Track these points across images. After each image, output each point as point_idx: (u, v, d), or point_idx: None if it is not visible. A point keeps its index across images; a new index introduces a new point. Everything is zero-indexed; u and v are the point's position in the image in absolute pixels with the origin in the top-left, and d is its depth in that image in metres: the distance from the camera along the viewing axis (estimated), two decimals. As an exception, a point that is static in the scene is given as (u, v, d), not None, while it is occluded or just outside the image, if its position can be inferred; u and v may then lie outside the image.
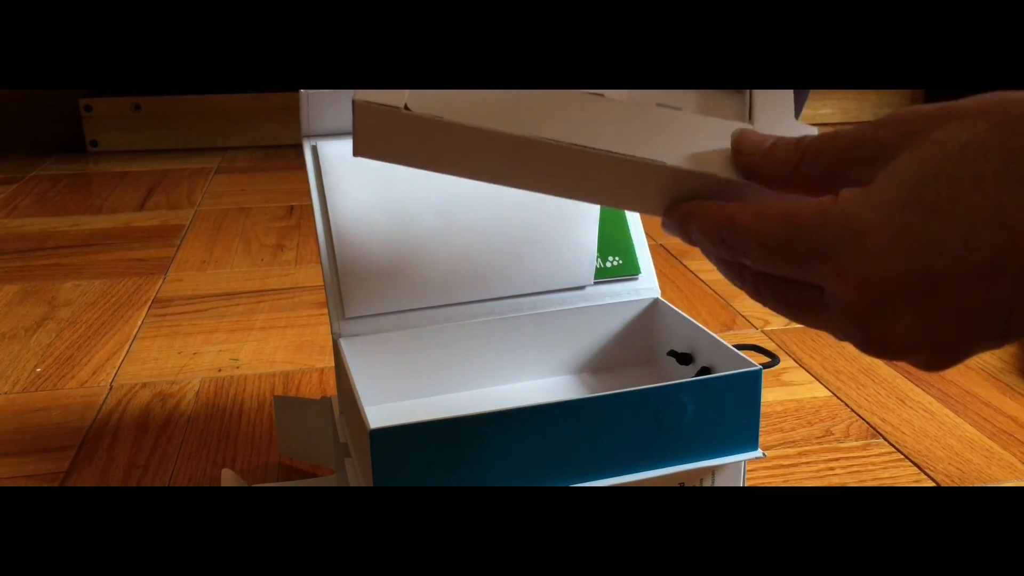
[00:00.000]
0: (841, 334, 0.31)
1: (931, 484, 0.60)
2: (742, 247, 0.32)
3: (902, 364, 0.78)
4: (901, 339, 0.29)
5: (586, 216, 0.54)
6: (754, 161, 0.33)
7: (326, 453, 0.58)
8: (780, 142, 0.32)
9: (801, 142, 0.31)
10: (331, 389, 0.74)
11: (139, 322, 0.89)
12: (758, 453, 0.47)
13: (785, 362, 0.78)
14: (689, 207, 0.35)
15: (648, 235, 0.56)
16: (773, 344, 0.82)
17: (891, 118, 0.29)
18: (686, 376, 0.50)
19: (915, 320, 0.29)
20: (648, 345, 0.57)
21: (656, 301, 0.56)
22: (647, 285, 0.56)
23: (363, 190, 0.51)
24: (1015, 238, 0.26)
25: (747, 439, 0.46)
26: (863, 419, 0.69)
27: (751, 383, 0.45)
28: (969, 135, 0.27)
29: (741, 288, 0.35)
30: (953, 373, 0.76)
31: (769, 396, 0.72)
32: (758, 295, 0.34)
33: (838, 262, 0.29)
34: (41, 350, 0.82)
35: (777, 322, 0.87)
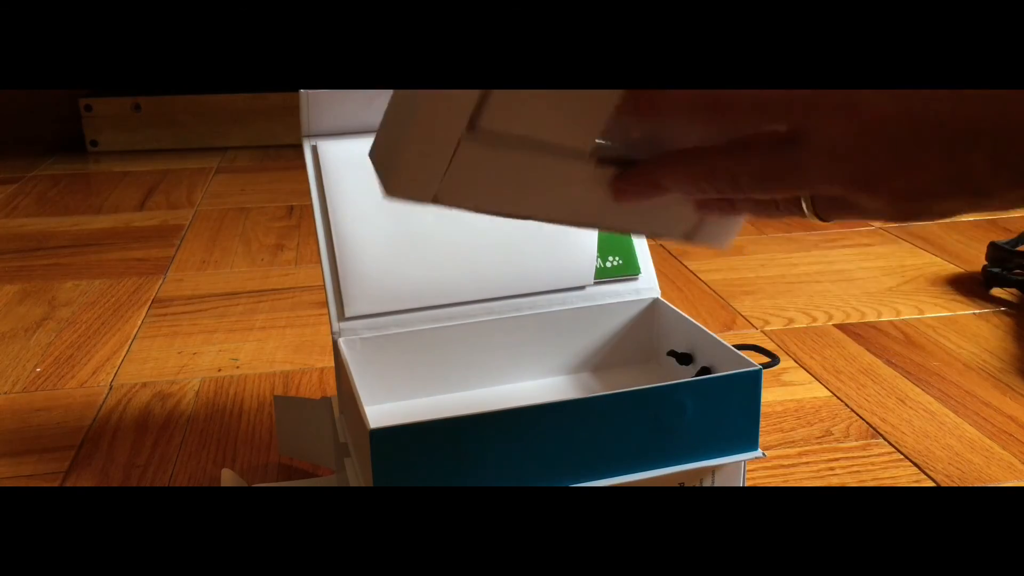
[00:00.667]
0: (819, 179, 0.32)
1: (931, 484, 0.60)
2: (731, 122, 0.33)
3: (902, 364, 0.78)
4: (876, 174, 0.31)
5: (586, 216, 0.54)
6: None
7: (326, 453, 0.58)
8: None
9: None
10: (331, 389, 0.74)
11: (139, 322, 0.89)
12: (758, 453, 0.47)
13: (785, 362, 0.78)
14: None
15: (648, 235, 0.56)
16: (773, 344, 0.82)
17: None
18: (686, 376, 0.50)
19: (894, 161, 0.30)
20: (648, 345, 0.57)
21: (656, 301, 0.56)
22: (647, 285, 0.56)
23: (363, 190, 0.51)
24: (997, 111, 0.28)
25: (747, 439, 0.46)
26: (863, 419, 0.69)
27: (751, 383, 0.45)
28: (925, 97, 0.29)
29: (705, 184, 0.35)
30: (953, 373, 0.76)
31: (769, 396, 0.72)
32: (732, 181, 0.34)
33: (821, 100, 0.30)
34: (41, 350, 0.82)
35: (777, 322, 0.87)
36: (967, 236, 1.13)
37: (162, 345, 0.83)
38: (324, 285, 0.51)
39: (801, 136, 0.31)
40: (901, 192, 0.31)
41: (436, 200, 0.34)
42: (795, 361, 0.79)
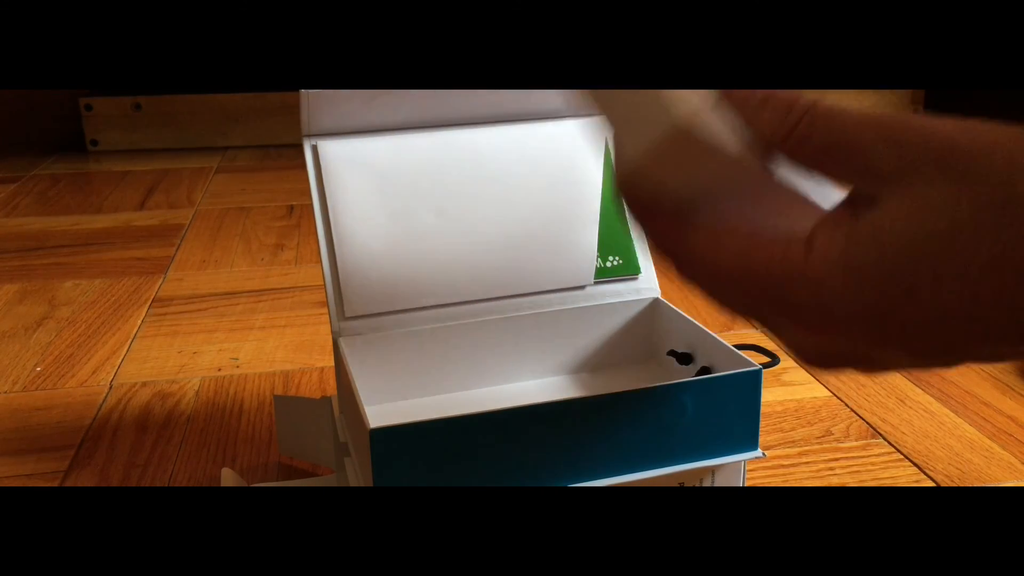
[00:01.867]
0: (777, 340, 0.31)
1: (931, 484, 0.60)
2: (687, 270, 0.31)
3: (902, 364, 0.78)
4: (836, 366, 0.30)
5: (586, 216, 0.54)
6: (743, 116, 0.30)
7: (326, 452, 0.58)
8: (772, 98, 0.29)
9: (795, 107, 0.28)
10: (331, 388, 0.74)
11: (139, 321, 0.89)
12: (758, 453, 0.47)
13: (785, 362, 0.78)
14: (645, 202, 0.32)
15: (648, 235, 0.56)
16: (773, 344, 0.82)
17: (897, 139, 0.26)
18: (686, 376, 0.50)
19: (854, 359, 0.29)
20: (648, 345, 0.57)
21: (656, 301, 0.56)
22: (647, 285, 0.56)
23: (363, 190, 0.51)
24: (975, 330, 0.26)
25: (747, 439, 0.46)
26: (863, 419, 0.69)
27: (751, 383, 0.45)
28: (967, 208, 0.25)
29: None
30: (953, 373, 0.76)
31: (769, 396, 0.72)
32: (692, 284, 0.33)
33: (796, 318, 0.28)
34: (41, 349, 0.82)
35: (777, 322, 0.87)
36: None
37: (162, 344, 0.83)
38: (324, 284, 0.51)
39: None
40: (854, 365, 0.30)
41: None
42: (795, 361, 0.79)
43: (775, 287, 0.28)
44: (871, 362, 0.29)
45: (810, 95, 0.29)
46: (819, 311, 0.27)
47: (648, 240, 0.32)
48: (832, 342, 0.29)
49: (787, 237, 0.28)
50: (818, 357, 0.30)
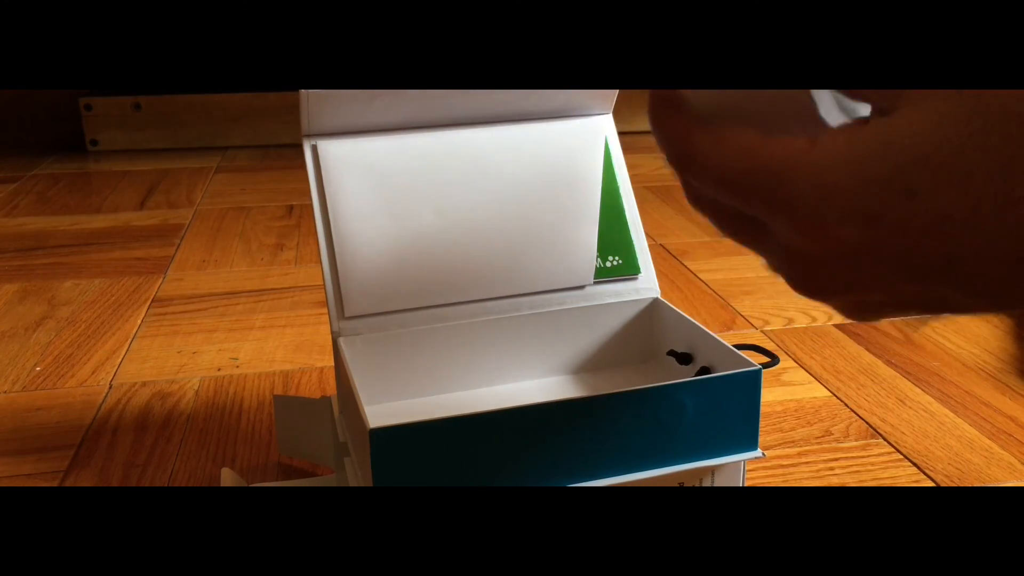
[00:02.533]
0: (775, 268, 0.31)
1: (930, 484, 0.60)
2: (694, 170, 0.30)
3: (902, 364, 0.78)
4: (832, 289, 0.29)
5: (586, 216, 0.54)
6: None
7: (326, 452, 0.58)
8: None
9: None
10: (331, 388, 0.74)
11: (139, 321, 0.89)
12: (758, 453, 0.47)
13: (785, 362, 0.78)
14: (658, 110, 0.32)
15: (648, 235, 0.56)
16: (773, 344, 0.82)
17: None
18: (686, 376, 0.50)
19: (852, 277, 0.28)
20: (648, 345, 0.57)
21: (656, 301, 0.56)
22: (647, 285, 0.56)
23: (363, 190, 0.51)
24: (975, 242, 0.26)
25: (747, 439, 0.46)
26: (863, 419, 0.69)
27: (751, 383, 0.45)
28: (979, 121, 0.25)
29: (688, 198, 0.33)
30: (953, 373, 0.76)
31: (769, 396, 0.72)
32: (696, 204, 0.32)
33: (794, 215, 0.28)
34: (40, 349, 0.82)
35: (777, 322, 0.87)
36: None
37: (162, 344, 0.83)
38: (324, 284, 0.51)
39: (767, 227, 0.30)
40: (852, 304, 0.30)
41: None
42: (795, 361, 0.79)
43: (775, 177, 0.28)
44: (859, 285, 0.29)
45: None
46: (816, 205, 0.27)
47: (659, 144, 0.32)
48: (823, 248, 0.28)
49: (792, 140, 0.28)
50: (804, 273, 0.29)
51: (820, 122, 0.31)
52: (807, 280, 0.30)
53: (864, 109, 0.30)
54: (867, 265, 0.27)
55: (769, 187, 0.28)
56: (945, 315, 0.29)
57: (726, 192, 0.30)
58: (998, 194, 0.25)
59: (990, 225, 0.25)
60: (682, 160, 0.31)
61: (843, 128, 0.28)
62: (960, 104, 0.25)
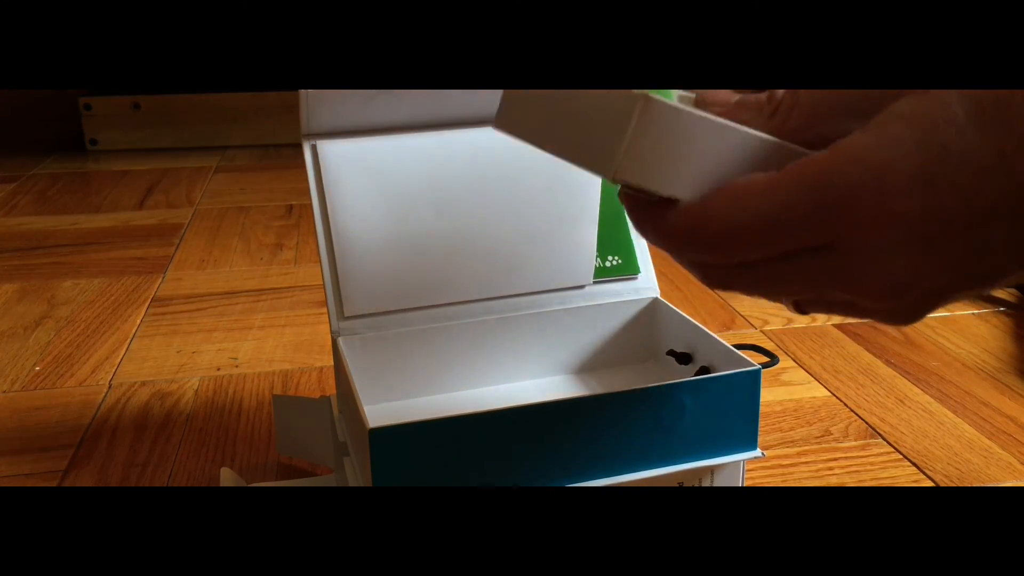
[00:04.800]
0: (827, 288, 0.30)
1: (930, 484, 0.60)
2: (721, 247, 0.29)
3: (901, 364, 0.78)
4: (891, 282, 0.29)
5: (586, 216, 0.54)
6: (722, 113, 0.30)
7: (325, 452, 0.58)
8: (749, 95, 0.30)
9: (774, 93, 0.30)
10: (330, 388, 0.74)
11: (138, 321, 0.88)
12: (757, 453, 0.47)
13: (784, 362, 0.78)
14: (645, 210, 0.31)
15: (647, 235, 0.56)
16: (772, 344, 0.82)
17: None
18: (685, 376, 0.50)
19: (910, 263, 0.28)
20: (647, 345, 0.57)
21: (655, 300, 0.56)
22: (646, 284, 0.56)
23: (363, 189, 0.51)
24: (1016, 186, 0.27)
25: (746, 439, 0.46)
26: (862, 419, 0.69)
27: (750, 383, 0.45)
28: (977, 98, 0.27)
29: (706, 283, 0.32)
30: (952, 373, 0.76)
31: (768, 396, 0.72)
32: (725, 284, 0.32)
33: (856, 207, 0.27)
34: (40, 348, 0.82)
35: (776, 322, 0.87)
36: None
37: (161, 344, 0.83)
38: (323, 284, 0.51)
39: (836, 245, 0.29)
40: (920, 296, 0.29)
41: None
42: (794, 361, 0.79)
43: (817, 186, 0.28)
44: (853, 308, 0.29)
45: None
46: (873, 186, 0.27)
47: (681, 260, 0.32)
48: (882, 238, 0.28)
49: (804, 159, 0.28)
50: (885, 244, 0.29)
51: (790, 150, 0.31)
52: (866, 277, 0.29)
53: None
54: (928, 242, 0.28)
55: (825, 188, 0.28)
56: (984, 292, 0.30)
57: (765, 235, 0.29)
58: (1015, 137, 0.27)
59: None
60: (667, 246, 0.30)
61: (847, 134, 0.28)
62: (929, 103, 0.27)
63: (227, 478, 0.59)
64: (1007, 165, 0.27)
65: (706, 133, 0.29)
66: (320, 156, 0.51)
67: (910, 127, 0.27)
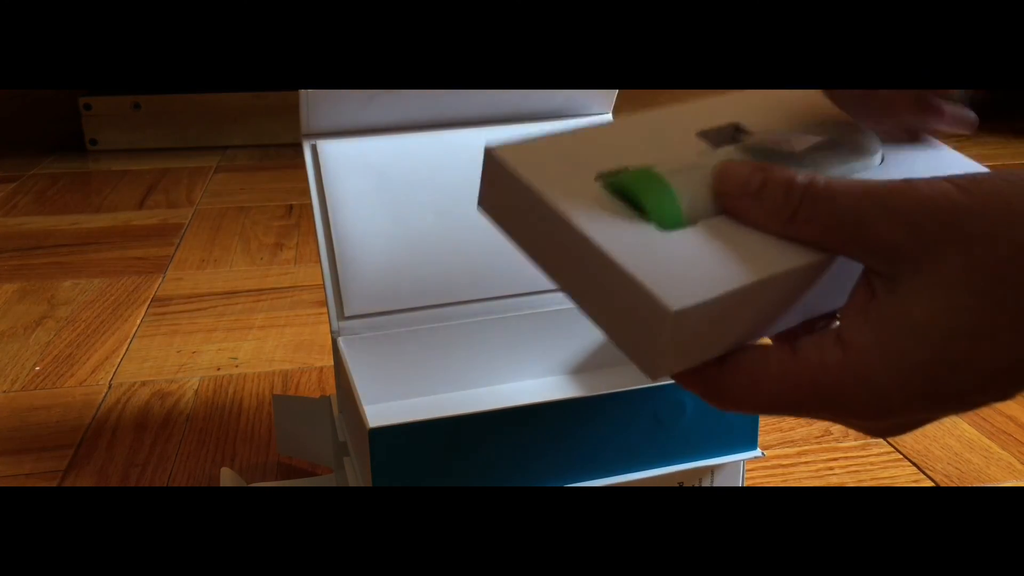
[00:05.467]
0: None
1: (930, 484, 0.60)
2: (745, 410, 0.30)
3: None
4: (905, 431, 0.30)
5: (585, 216, 0.54)
6: (741, 205, 0.29)
7: (325, 452, 0.58)
8: (770, 183, 0.29)
9: (793, 190, 0.28)
10: (330, 388, 0.74)
11: (138, 321, 0.89)
12: (757, 452, 0.47)
13: (784, 362, 0.78)
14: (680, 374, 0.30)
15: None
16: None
17: (899, 209, 0.27)
18: (685, 376, 0.50)
19: (916, 420, 0.29)
20: (647, 345, 0.57)
21: (655, 301, 0.56)
22: (646, 285, 0.56)
23: (363, 190, 0.51)
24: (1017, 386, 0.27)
25: (746, 438, 0.46)
26: (862, 419, 0.69)
27: (750, 383, 0.45)
28: (981, 278, 0.26)
29: None
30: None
31: (768, 396, 0.72)
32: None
33: (851, 412, 0.28)
34: (40, 348, 0.82)
35: (776, 322, 0.87)
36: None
37: (161, 344, 0.83)
38: (324, 284, 0.51)
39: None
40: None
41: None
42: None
43: (826, 398, 0.28)
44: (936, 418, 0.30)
45: (804, 175, 0.29)
46: (876, 405, 0.27)
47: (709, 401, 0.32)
48: (896, 422, 0.29)
49: (818, 345, 0.28)
50: (888, 432, 0.31)
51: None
52: (881, 435, 0.31)
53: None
54: (934, 416, 0.29)
55: (822, 402, 0.28)
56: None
57: (780, 413, 0.30)
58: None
59: None
60: (729, 408, 0.31)
61: (861, 316, 0.28)
62: (959, 262, 0.26)
63: (227, 478, 0.59)
64: (1017, 369, 0.26)
65: (732, 303, 0.28)
66: (320, 156, 0.51)
67: (919, 344, 0.26)
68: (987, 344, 0.26)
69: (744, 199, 0.29)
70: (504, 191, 0.31)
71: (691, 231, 0.29)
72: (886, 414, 0.28)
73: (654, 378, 0.29)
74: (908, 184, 0.27)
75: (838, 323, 0.29)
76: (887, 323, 0.27)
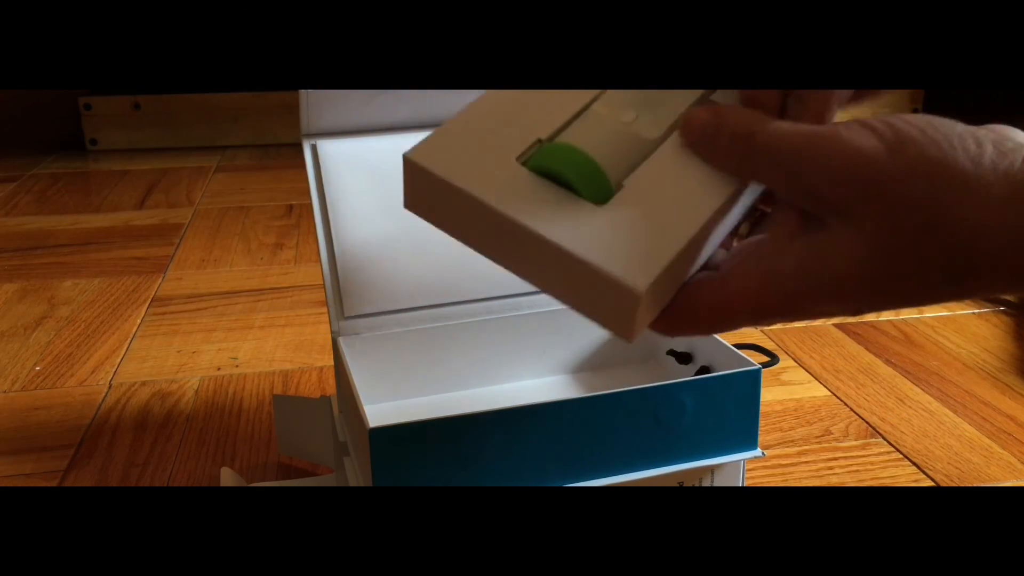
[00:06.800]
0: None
1: (930, 484, 0.60)
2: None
3: (901, 364, 0.78)
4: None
5: (585, 215, 0.54)
6: (701, 151, 0.33)
7: (325, 452, 0.58)
8: (723, 129, 0.32)
9: (737, 140, 0.32)
10: (330, 388, 0.74)
11: (138, 321, 0.89)
12: (757, 452, 0.47)
13: (784, 361, 0.78)
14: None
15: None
16: (772, 343, 0.82)
17: (829, 165, 0.29)
18: (685, 375, 0.50)
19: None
20: (648, 344, 0.57)
21: (655, 300, 0.56)
22: (646, 284, 0.56)
23: (363, 189, 0.51)
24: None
25: (746, 438, 0.46)
26: (862, 418, 0.69)
27: (750, 382, 0.45)
28: (897, 241, 0.29)
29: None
30: (952, 373, 0.76)
31: (768, 395, 0.72)
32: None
33: (799, 312, 0.31)
34: (40, 348, 0.82)
35: (776, 321, 0.87)
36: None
37: (161, 344, 0.83)
38: (324, 284, 0.51)
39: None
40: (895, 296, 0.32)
41: None
42: (794, 360, 0.79)
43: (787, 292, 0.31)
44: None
45: (756, 120, 0.32)
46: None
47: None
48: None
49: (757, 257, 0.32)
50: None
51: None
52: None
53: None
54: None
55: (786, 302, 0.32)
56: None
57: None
58: (916, 281, 0.29)
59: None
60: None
61: (788, 240, 0.31)
62: (874, 220, 0.29)
63: (227, 478, 0.59)
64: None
65: (683, 254, 0.31)
66: (320, 156, 0.51)
67: (864, 244, 0.29)
68: (884, 282, 0.29)
69: (702, 146, 0.33)
70: (435, 195, 0.33)
71: (622, 198, 0.32)
72: (825, 306, 0.31)
73: (631, 341, 0.31)
74: (838, 139, 0.30)
75: (759, 238, 0.32)
76: (804, 260, 0.30)
